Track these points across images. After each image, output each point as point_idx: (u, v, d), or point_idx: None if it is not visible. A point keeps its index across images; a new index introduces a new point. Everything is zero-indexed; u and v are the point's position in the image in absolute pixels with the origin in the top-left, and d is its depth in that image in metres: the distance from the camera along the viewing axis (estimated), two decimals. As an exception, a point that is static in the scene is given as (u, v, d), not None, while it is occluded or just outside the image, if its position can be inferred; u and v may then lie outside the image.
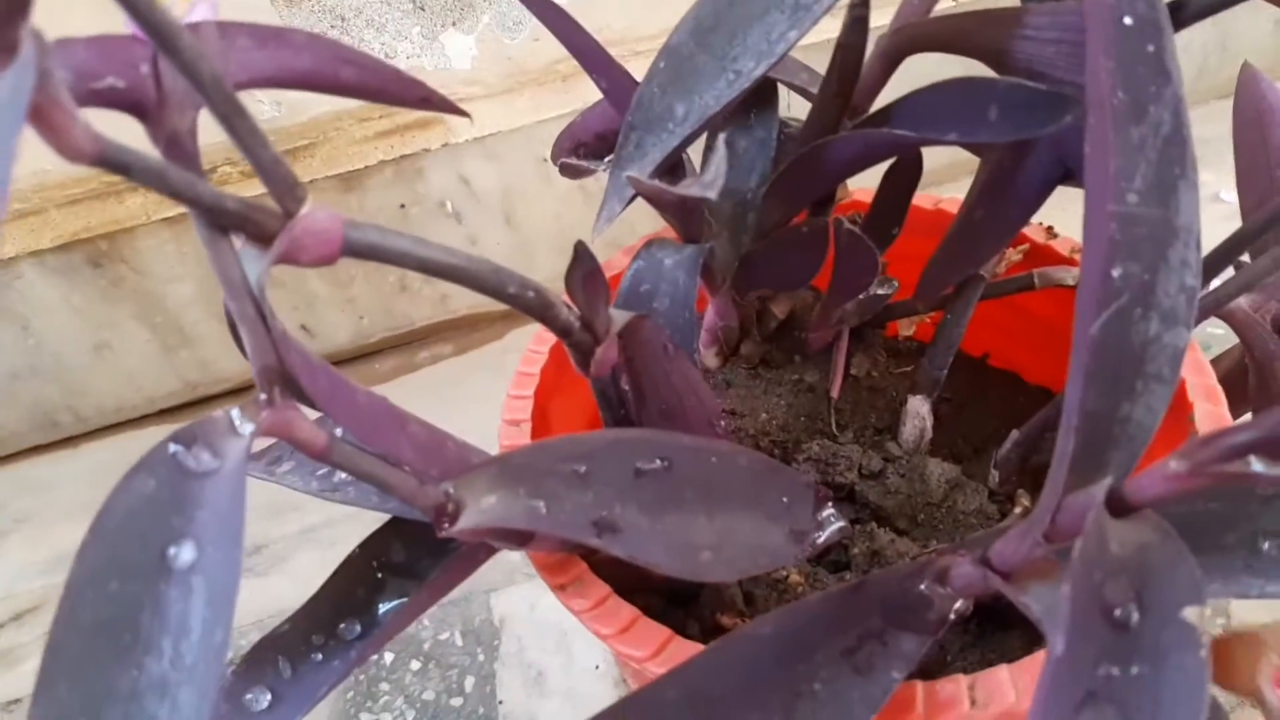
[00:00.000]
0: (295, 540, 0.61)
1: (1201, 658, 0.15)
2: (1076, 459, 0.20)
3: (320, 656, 0.25)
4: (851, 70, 0.31)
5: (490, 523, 0.22)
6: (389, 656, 0.54)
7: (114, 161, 0.15)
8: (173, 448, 0.17)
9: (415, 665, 0.53)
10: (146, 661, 0.16)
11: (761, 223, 0.35)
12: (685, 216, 0.32)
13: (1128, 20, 0.20)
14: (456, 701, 0.51)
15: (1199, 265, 0.21)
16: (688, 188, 0.24)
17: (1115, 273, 0.20)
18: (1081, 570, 0.16)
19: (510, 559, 0.58)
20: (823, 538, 0.28)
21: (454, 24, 0.65)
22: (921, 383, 0.37)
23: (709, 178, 0.23)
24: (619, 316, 0.26)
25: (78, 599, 0.16)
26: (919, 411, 0.37)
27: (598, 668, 0.51)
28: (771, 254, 0.34)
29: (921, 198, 0.41)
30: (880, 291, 0.37)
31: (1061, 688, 0.16)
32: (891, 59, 0.32)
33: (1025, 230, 0.40)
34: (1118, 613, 0.17)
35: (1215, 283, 0.33)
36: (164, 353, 0.70)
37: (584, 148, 0.39)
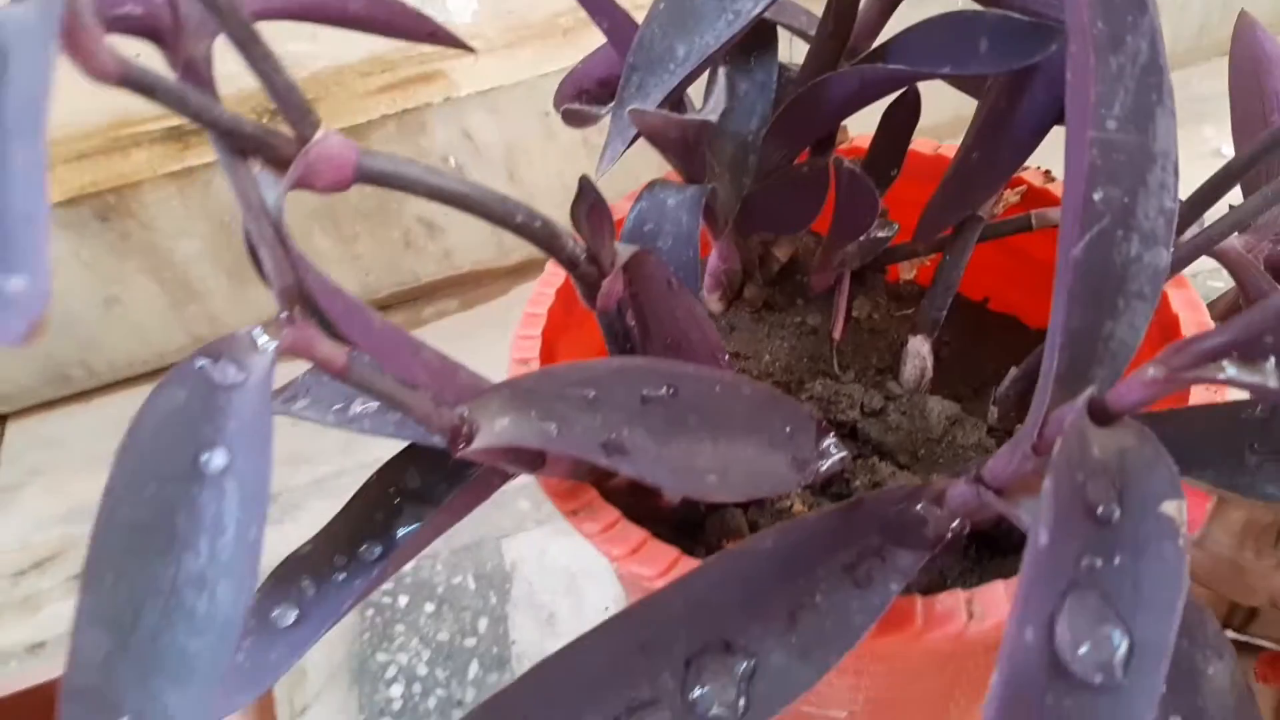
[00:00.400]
0: (307, 489, 0.62)
1: (1180, 546, 0.16)
2: (1062, 375, 0.21)
3: (342, 576, 0.25)
4: (847, 11, 0.31)
5: (504, 443, 0.22)
6: (404, 600, 0.55)
7: (137, 82, 0.16)
8: (200, 362, 0.18)
9: (429, 608, 0.55)
10: (185, 558, 0.17)
11: (762, 164, 0.36)
12: (687, 156, 0.32)
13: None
14: (470, 642, 0.52)
15: (1176, 189, 0.21)
16: (692, 116, 0.24)
17: (1096, 196, 0.21)
18: (1063, 467, 0.17)
19: (520, 507, 0.59)
20: (825, 466, 0.28)
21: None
22: (921, 323, 0.38)
23: (711, 106, 0.23)
24: (624, 250, 0.26)
25: (117, 502, 0.17)
26: (919, 351, 0.38)
27: (607, 609, 0.52)
28: (772, 195, 0.35)
29: (921, 143, 0.41)
30: (881, 234, 0.37)
31: (1045, 577, 0.17)
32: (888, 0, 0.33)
33: (1023, 174, 0.41)
34: (1100, 510, 0.17)
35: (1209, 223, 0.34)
36: (172, 307, 0.71)
37: (586, 94, 0.39)
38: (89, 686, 0.16)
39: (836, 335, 0.39)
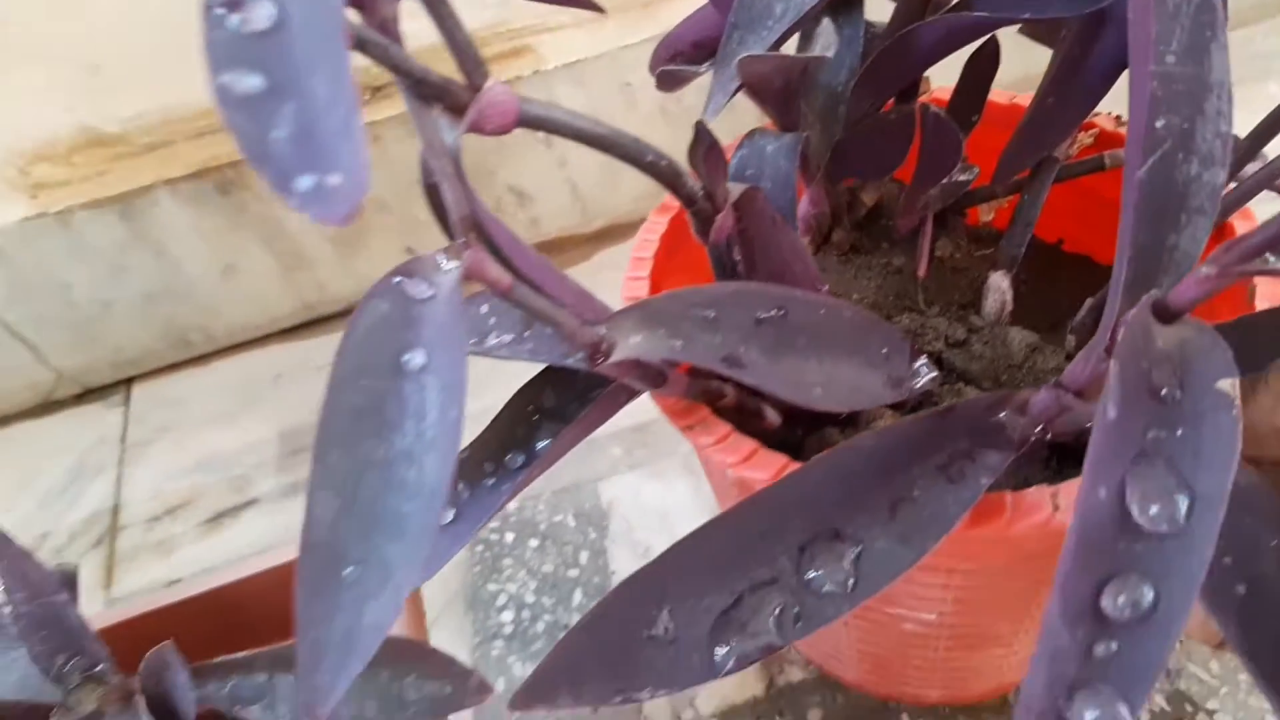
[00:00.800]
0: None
1: (1234, 415, 0.19)
2: (1130, 283, 0.23)
3: (491, 481, 0.29)
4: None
5: (638, 355, 0.26)
6: (510, 536, 0.59)
7: (358, 40, 0.20)
8: (396, 279, 0.22)
9: (534, 543, 0.59)
10: (394, 438, 0.20)
11: (850, 114, 0.38)
12: (784, 106, 0.35)
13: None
14: (573, 573, 0.56)
15: (1231, 116, 0.24)
16: (802, 55, 0.27)
17: (1159, 124, 0.23)
18: (1128, 355, 0.20)
19: (614, 453, 0.63)
20: (919, 384, 0.31)
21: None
22: (1001, 260, 0.40)
23: (820, 47, 0.26)
24: (734, 188, 0.29)
25: (337, 393, 0.21)
26: (1000, 286, 0.40)
27: (700, 543, 0.55)
28: (860, 142, 0.37)
29: (998, 94, 0.43)
30: (961, 178, 0.40)
31: (1115, 448, 0.19)
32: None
33: (1095, 119, 0.43)
34: (1164, 392, 0.20)
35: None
36: (284, 274, 0.76)
37: (681, 56, 0.42)
38: (322, 542, 0.20)
39: (921, 273, 0.41)
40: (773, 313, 0.28)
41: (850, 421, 0.35)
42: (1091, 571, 0.18)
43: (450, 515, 0.28)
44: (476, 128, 0.23)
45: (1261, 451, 0.26)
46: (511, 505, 0.61)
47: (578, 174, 0.77)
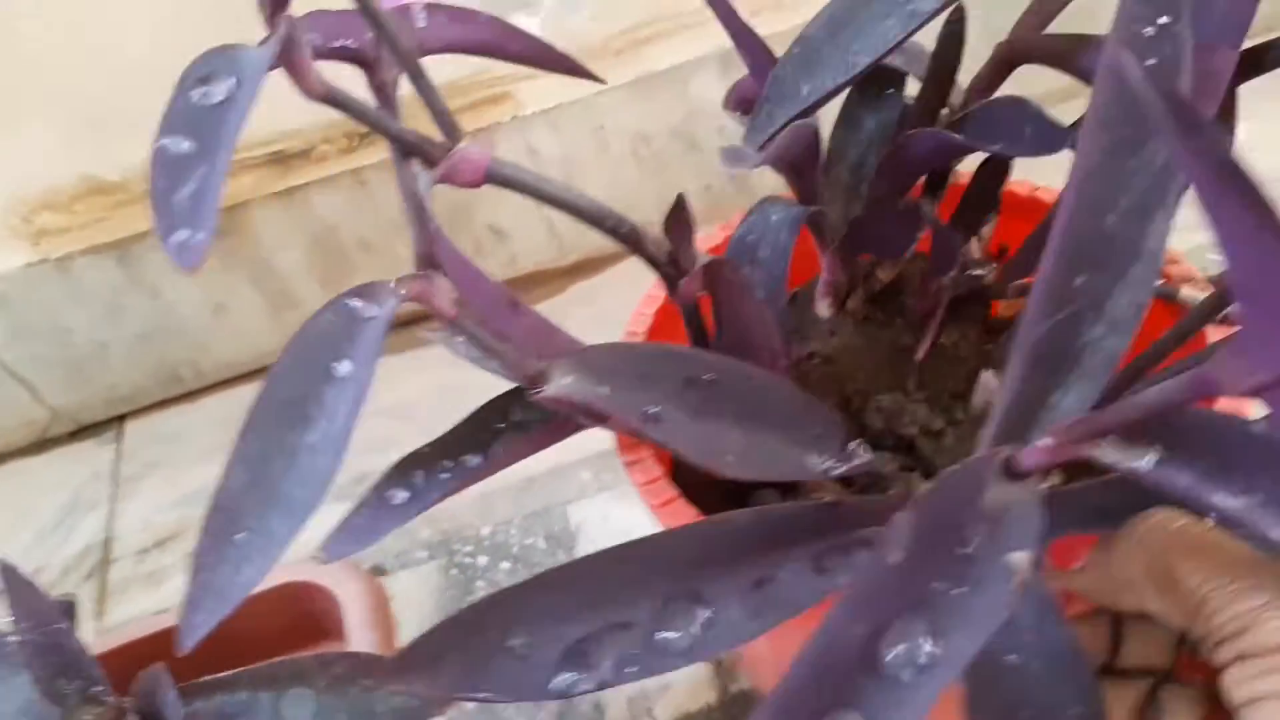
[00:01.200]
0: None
1: (1009, 590, 0.21)
2: (998, 436, 0.25)
3: (447, 475, 0.34)
4: (946, 76, 0.37)
5: (563, 395, 0.30)
6: (483, 560, 0.66)
7: (337, 100, 0.25)
8: (350, 299, 0.27)
9: (505, 565, 0.66)
10: (307, 432, 0.25)
11: (872, 193, 0.42)
12: (798, 178, 0.39)
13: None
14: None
15: (1153, 283, 0.25)
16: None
17: (1077, 281, 0.25)
18: (937, 506, 0.22)
19: (582, 477, 0.69)
20: (843, 467, 0.34)
21: (522, 8, 0.74)
22: (998, 359, 0.44)
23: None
24: (703, 256, 0.34)
25: (273, 384, 0.26)
26: (989, 384, 0.44)
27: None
28: (873, 223, 0.41)
29: (1016, 184, 0.46)
30: (975, 272, 0.43)
31: (887, 591, 0.21)
32: (1001, 66, 0.39)
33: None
34: (961, 550, 0.22)
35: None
36: (272, 313, 0.82)
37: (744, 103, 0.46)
38: (226, 506, 0.25)
39: (920, 356, 0.45)
40: (705, 377, 0.32)
41: (792, 489, 0.39)
42: (815, 699, 0.20)
43: (403, 496, 0.34)
44: (448, 180, 0.28)
45: (1118, 603, 0.29)
46: (485, 530, 0.68)
47: (555, 212, 0.82)
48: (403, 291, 0.27)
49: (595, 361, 0.31)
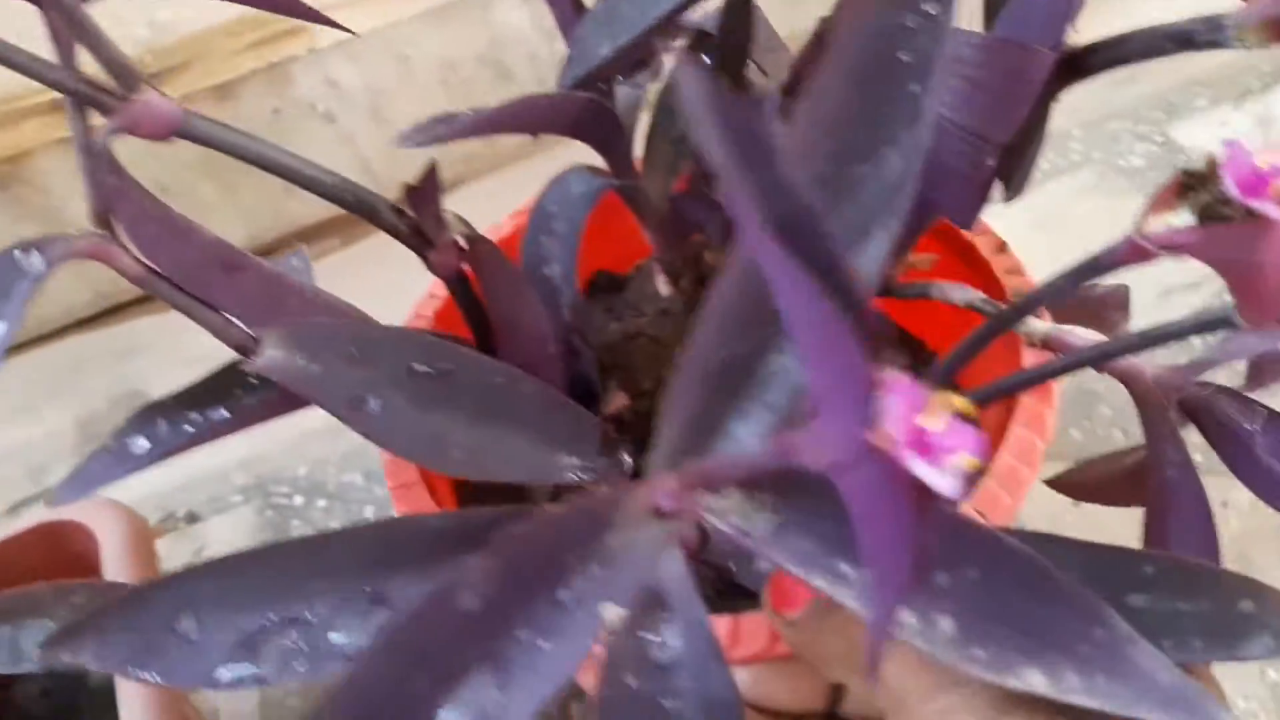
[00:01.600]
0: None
1: (590, 641, 0.20)
2: (665, 455, 0.23)
3: (190, 428, 0.33)
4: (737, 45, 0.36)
5: (265, 370, 0.28)
6: (299, 499, 0.68)
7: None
8: (19, 249, 0.29)
9: (322, 503, 0.68)
10: None
11: (692, 171, 0.40)
12: (605, 151, 0.37)
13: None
14: (358, 526, 0.65)
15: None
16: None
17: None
18: (540, 542, 0.21)
19: None
20: (593, 469, 0.31)
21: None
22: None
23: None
24: (460, 231, 0.34)
25: None
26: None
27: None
28: (689, 203, 0.39)
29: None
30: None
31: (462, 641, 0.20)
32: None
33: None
34: (559, 593, 0.21)
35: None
36: (74, 265, 0.81)
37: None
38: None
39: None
40: (438, 367, 0.30)
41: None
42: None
43: (144, 445, 0.32)
44: (130, 131, 0.30)
45: (826, 673, 0.28)
46: (301, 470, 0.70)
47: (366, 145, 0.85)
48: (71, 246, 0.29)
49: (307, 337, 0.29)
